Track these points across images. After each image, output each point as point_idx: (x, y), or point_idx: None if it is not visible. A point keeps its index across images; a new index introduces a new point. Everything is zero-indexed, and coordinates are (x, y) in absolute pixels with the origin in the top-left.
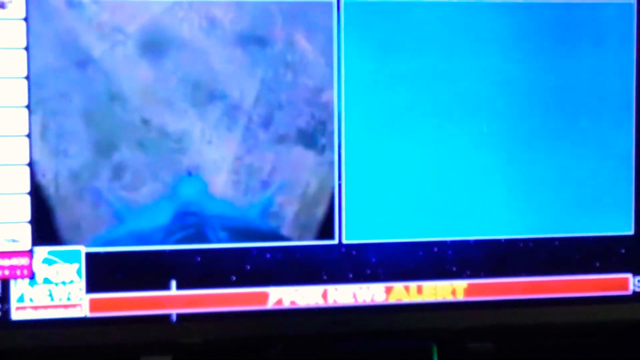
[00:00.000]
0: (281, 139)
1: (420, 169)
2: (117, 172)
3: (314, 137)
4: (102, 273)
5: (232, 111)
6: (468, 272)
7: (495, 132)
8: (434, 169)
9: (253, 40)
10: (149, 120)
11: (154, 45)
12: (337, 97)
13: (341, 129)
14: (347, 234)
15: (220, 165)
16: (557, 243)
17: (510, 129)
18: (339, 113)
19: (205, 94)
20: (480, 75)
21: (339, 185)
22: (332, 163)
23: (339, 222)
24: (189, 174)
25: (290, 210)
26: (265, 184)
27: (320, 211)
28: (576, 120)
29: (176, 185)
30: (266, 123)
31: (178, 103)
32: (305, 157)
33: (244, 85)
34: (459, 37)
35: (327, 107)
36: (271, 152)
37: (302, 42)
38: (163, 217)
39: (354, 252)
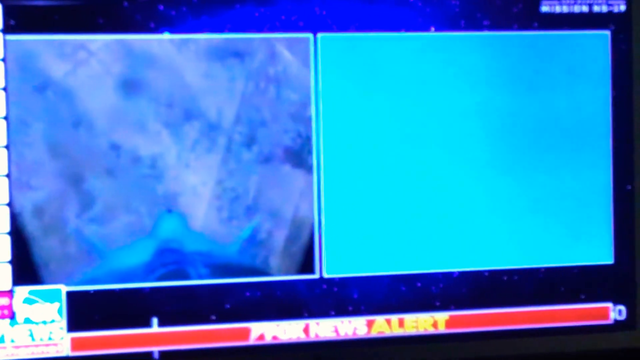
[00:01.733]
0: (266, 159)
1: (402, 201)
2: (89, 204)
3: (301, 155)
4: (83, 311)
5: (211, 131)
6: (450, 304)
7: (475, 164)
8: (416, 201)
9: (230, 53)
10: (118, 145)
11: (121, 62)
12: (316, 130)
13: (320, 160)
14: (328, 268)
15: (200, 190)
16: (539, 274)
17: (490, 160)
18: (318, 143)
19: (180, 114)
20: (459, 106)
21: (319, 218)
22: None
23: (319, 256)
24: (169, 210)
25: (273, 241)
26: (249, 210)
27: (302, 243)
28: (555, 150)
29: (156, 223)
30: (249, 142)
31: (150, 124)
32: (293, 177)
33: (222, 102)
34: (438, 68)
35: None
36: (255, 174)
37: (284, 53)
38: (143, 254)
39: (335, 287)
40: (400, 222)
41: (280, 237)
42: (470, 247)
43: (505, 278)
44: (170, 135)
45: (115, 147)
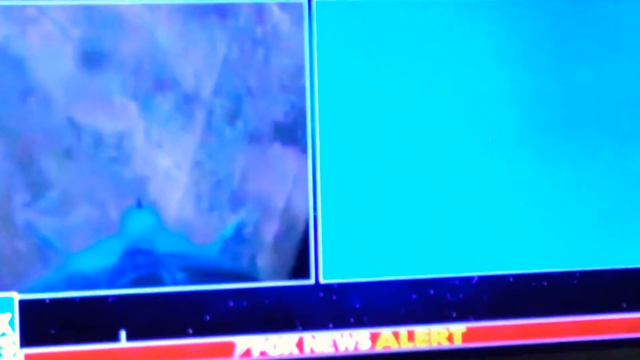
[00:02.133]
0: (252, 137)
1: (412, 191)
2: (42, 192)
3: (294, 132)
4: (39, 323)
5: (187, 104)
6: (468, 314)
7: (497, 148)
8: (428, 191)
9: (210, 10)
10: (77, 121)
11: (81, 22)
12: (311, 102)
13: (316, 138)
14: (325, 272)
15: (174, 175)
16: (574, 279)
17: (516, 144)
18: (313, 118)
19: (150, 83)
20: (477, 81)
21: (314, 211)
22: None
23: (315, 258)
24: (139, 204)
25: (261, 239)
26: (233, 199)
27: (295, 242)
28: (593, 135)
29: (124, 219)
30: (232, 117)
31: (116, 96)
32: (284, 159)
33: (200, 68)
34: (452, 36)
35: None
36: (240, 155)
37: (274, 10)
38: (109, 256)
39: (333, 295)
40: (411, 217)
41: (269, 233)
42: (492, 247)
43: (533, 284)
44: (138, 110)
45: (73, 124)
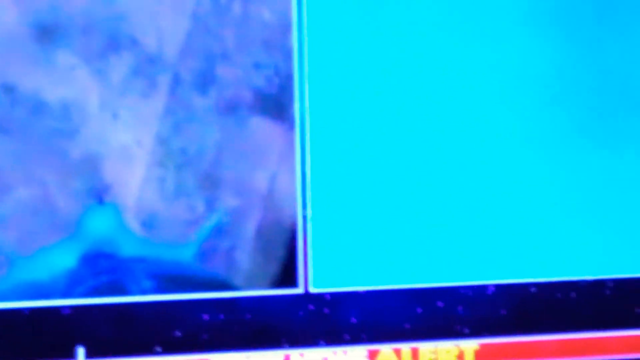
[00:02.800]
0: (228, 108)
1: (419, 184)
2: None
3: (279, 102)
4: None
5: (148, 66)
6: (482, 330)
7: (518, 137)
8: (435, 187)
9: None
10: (12, 86)
11: None
12: (299, 66)
13: (305, 109)
14: (316, 279)
15: (133, 153)
16: (606, 288)
17: (538, 135)
18: (302, 86)
19: (104, 40)
20: (493, 66)
21: (304, 202)
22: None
23: (304, 263)
24: (100, 200)
25: (241, 237)
26: (205, 182)
27: (280, 242)
28: (625, 127)
29: (81, 218)
30: (203, 83)
31: (60, 56)
32: (267, 135)
33: (164, 24)
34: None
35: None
36: (213, 130)
37: None
38: (65, 260)
39: (325, 307)
40: (417, 216)
41: (249, 232)
42: (511, 252)
43: (558, 295)
44: (89, 73)
45: (8, 89)
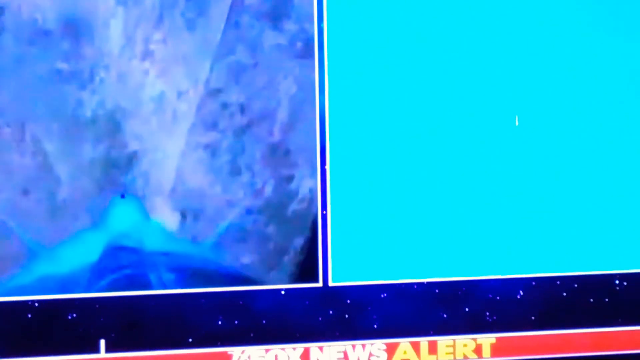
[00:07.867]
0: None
1: (435, 182)
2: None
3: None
4: (3, 332)
5: None
6: (499, 323)
7: (535, 133)
8: (454, 182)
9: None
10: None
11: None
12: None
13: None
14: (335, 273)
15: (161, 150)
16: (621, 280)
17: (553, 133)
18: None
19: None
20: (494, 66)
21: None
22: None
23: (324, 257)
24: (122, 195)
25: (264, 232)
26: (229, 179)
27: (301, 238)
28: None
29: (105, 211)
30: None
31: None
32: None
33: None
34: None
35: None
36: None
37: None
38: (88, 254)
39: (344, 300)
40: (436, 210)
41: (271, 228)
42: (528, 245)
43: (575, 285)
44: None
45: None
